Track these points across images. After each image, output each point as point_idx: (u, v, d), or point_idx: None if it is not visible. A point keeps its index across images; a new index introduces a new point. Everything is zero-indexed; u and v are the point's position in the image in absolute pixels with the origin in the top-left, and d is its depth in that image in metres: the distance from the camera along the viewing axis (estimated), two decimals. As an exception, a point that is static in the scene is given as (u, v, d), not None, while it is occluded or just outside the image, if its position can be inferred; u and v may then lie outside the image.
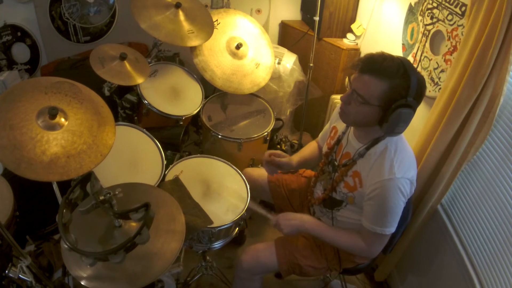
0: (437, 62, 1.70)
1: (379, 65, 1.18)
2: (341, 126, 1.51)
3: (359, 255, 1.52)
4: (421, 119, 1.82)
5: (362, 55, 2.51)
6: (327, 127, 1.66)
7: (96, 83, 1.72)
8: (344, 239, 1.41)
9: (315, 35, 2.41)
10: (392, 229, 1.32)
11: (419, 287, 1.85)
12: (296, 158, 1.68)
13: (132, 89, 2.12)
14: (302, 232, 1.46)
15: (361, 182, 1.35)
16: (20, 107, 1.19)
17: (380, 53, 1.21)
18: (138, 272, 1.13)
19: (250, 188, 1.76)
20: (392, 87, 1.17)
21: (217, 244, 1.69)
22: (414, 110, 1.20)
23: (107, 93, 1.91)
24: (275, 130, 2.57)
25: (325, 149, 1.59)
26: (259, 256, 1.55)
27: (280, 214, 1.48)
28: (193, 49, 2.15)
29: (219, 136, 2.08)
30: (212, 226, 1.56)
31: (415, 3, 1.87)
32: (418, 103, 1.21)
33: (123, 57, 1.86)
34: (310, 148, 1.75)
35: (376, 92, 1.19)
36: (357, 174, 1.36)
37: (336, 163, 1.48)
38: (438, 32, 1.70)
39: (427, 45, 1.77)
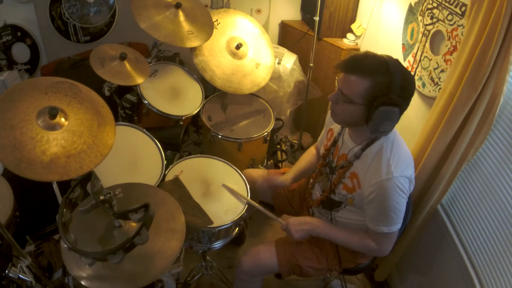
0: (437, 62, 1.70)
1: (360, 63, 1.18)
2: (337, 127, 1.51)
3: (372, 255, 1.52)
4: (421, 119, 1.82)
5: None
6: (323, 131, 1.66)
7: (96, 83, 1.72)
8: (355, 241, 1.41)
9: (315, 35, 2.41)
10: (398, 225, 1.32)
11: (419, 287, 1.85)
12: (291, 174, 1.67)
13: (132, 89, 2.12)
14: (313, 235, 1.47)
15: (359, 183, 1.35)
16: (20, 107, 1.19)
17: (363, 52, 1.23)
18: (138, 272, 1.13)
19: (250, 189, 1.76)
20: (374, 85, 1.17)
21: (217, 244, 1.69)
22: (401, 108, 1.18)
23: (107, 93, 1.91)
24: (275, 130, 2.57)
25: (322, 150, 1.59)
26: (260, 257, 1.55)
27: (290, 219, 1.47)
28: (193, 49, 2.14)
29: (219, 136, 2.08)
30: (212, 226, 1.55)
31: (415, 3, 1.87)
32: (405, 100, 1.19)
33: (123, 57, 1.86)
34: (307, 158, 1.74)
35: (359, 91, 1.19)
36: (354, 175, 1.36)
37: (333, 165, 1.48)
38: (438, 32, 1.70)
39: (427, 45, 1.77)
